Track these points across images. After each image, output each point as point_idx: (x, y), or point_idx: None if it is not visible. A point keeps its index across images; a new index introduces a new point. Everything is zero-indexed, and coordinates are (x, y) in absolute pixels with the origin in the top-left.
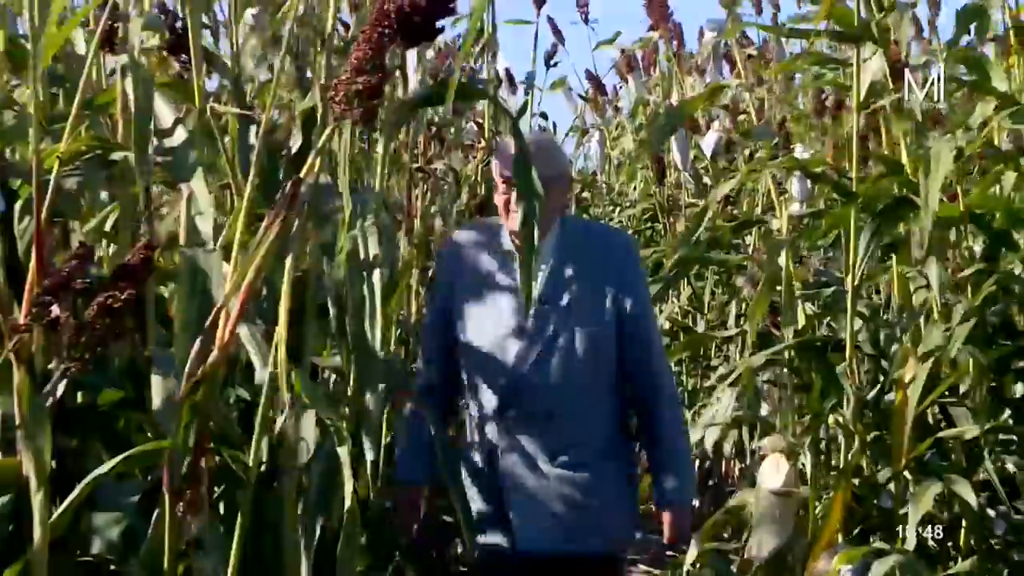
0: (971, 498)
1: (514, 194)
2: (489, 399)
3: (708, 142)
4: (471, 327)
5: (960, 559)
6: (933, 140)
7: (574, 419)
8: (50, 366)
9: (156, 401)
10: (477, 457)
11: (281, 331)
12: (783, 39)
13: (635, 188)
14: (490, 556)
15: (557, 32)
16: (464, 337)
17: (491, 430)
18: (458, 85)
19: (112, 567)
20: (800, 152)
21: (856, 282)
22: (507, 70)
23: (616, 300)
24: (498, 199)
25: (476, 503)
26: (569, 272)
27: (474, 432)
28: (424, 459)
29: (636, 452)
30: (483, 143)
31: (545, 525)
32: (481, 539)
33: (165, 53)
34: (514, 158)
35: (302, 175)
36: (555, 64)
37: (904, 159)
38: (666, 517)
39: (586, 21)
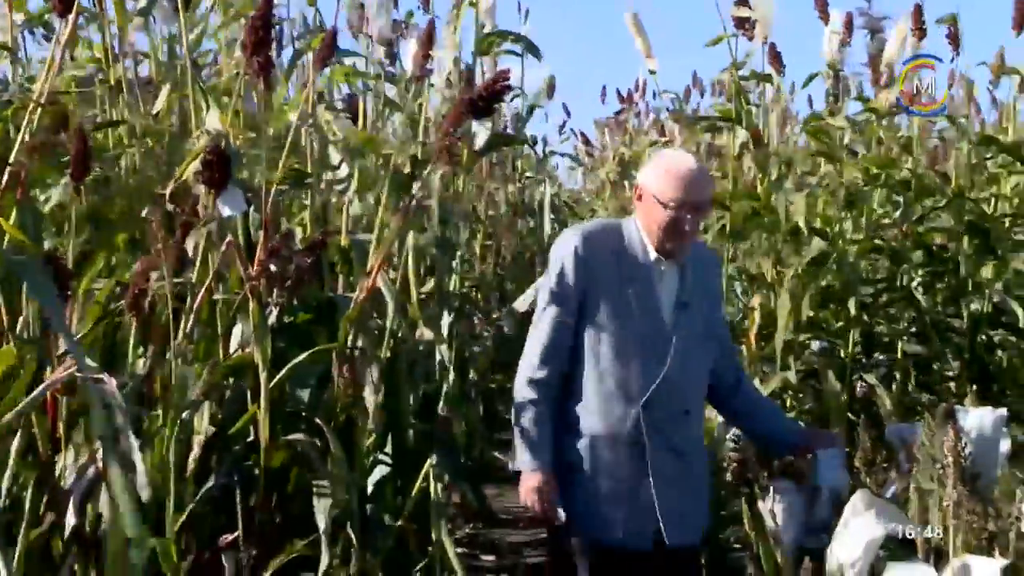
0: (792, 378)
1: (688, 217)
2: (631, 397)
3: None
4: (614, 327)
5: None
6: (791, 189)
7: (698, 414)
8: (270, 299)
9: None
10: (614, 453)
11: (411, 282)
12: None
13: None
14: (620, 548)
15: (567, 112)
16: (606, 335)
17: (635, 424)
18: (502, 137)
19: (303, 414)
20: None
21: (731, 257)
22: (535, 136)
23: (718, 304)
24: (660, 216)
25: (612, 496)
26: (693, 280)
27: (611, 428)
28: (549, 448)
29: None
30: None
31: (684, 519)
32: (615, 529)
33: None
34: (705, 184)
35: (412, 194)
36: (564, 131)
37: (760, 191)
38: (811, 434)
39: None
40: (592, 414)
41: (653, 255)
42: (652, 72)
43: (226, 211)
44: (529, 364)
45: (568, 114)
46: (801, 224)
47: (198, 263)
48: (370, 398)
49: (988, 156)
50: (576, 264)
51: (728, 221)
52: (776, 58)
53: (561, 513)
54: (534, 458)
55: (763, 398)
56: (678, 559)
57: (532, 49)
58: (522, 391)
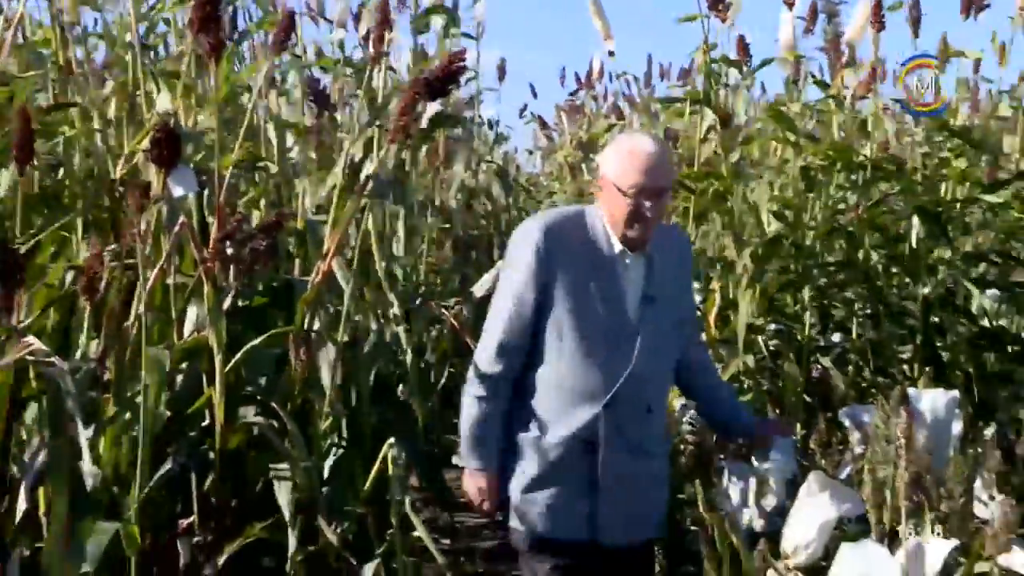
0: (750, 362)
1: (647, 203)
2: (593, 396)
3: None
4: (577, 322)
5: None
6: (755, 179)
7: (661, 411)
8: (224, 282)
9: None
10: (570, 452)
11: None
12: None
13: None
14: (567, 546)
15: (534, 92)
16: (568, 331)
17: (594, 424)
18: (441, 118)
19: (259, 398)
20: None
21: (694, 238)
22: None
23: (689, 288)
24: (620, 203)
25: (564, 494)
26: (662, 270)
27: (569, 428)
28: (496, 447)
29: None
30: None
31: (636, 519)
32: (560, 529)
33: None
34: (665, 168)
35: (366, 175)
36: (525, 114)
37: (724, 171)
38: (766, 424)
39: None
40: (549, 412)
41: (618, 247)
42: (611, 53)
43: (177, 191)
44: (483, 359)
45: (535, 95)
46: (763, 209)
47: (149, 244)
48: (327, 380)
49: (939, 139)
50: (537, 257)
51: (692, 204)
52: (744, 49)
53: (503, 511)
54: (479, 457)
55: (723, 383)
56: (627, 553)
57: (453, 18)
58: (473, 386)
